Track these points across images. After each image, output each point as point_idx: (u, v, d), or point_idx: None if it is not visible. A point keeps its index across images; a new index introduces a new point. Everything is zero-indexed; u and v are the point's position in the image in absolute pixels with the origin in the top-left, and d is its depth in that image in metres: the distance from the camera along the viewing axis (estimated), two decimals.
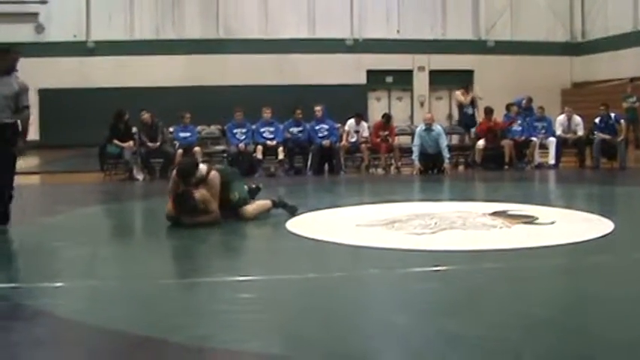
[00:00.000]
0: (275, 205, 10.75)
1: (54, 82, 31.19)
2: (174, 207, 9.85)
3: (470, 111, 20.43)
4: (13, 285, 6.68)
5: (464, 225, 9.61)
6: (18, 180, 16.41)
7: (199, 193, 9.81)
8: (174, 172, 10.33)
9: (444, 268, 7.15)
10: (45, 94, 31.50)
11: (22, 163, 9.91)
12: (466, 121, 20.32)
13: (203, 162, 11.45)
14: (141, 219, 11.97)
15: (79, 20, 32.55)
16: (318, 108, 18.68)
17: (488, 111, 19.25)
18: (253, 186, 11.19)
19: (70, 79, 31.38)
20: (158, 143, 17.69)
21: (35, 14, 32.35)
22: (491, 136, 18.56)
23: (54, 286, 6.74)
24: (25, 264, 7.77)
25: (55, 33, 32.34)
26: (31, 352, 5.05)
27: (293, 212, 10.75)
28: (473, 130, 19.64)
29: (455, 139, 20.94)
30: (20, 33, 31.70)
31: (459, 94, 21.22)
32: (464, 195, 14.06)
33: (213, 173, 10.13)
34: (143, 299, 6.38)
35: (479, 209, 10.94)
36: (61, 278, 7.14)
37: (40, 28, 32.47)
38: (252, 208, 10.45)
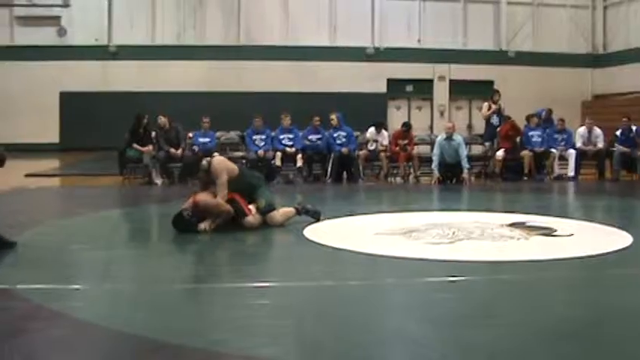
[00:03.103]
0: (298, 212, 10.80)
1: (75, 85, 31.45)
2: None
3: (496, 121, 20.09)
4: (33, 286, 6.73)
5: (482, 235, 9.61)
6: (39, 182, 16.59)
7: (200, 202, 9.92)
8: None
9: (460, 278, 7.16)
10: (66, 97, 31.80)
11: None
12: (491, 132, 20.06)
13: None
14: (159, 223, 12.00)
15: (101, 24, 32.71)
16: (332, 117, 18.62)
17: (507, 118, 19.32)
18: (309, 207, 11.07)
19: (91, 82, 31.58)
20: (180, 150, 17.80)
21: (57, 18, 32.53)
22: (510, 145, 18.55)
23: (73, 289, 6.81)
24: (44, 266, 7.80)
25: (77, 37, 32.53)
26: (50, 354, 5.11)
27: (317, 217, 10.81)
28: (496, 140, 19.46)
29: (475, 150, 20.86)
30: (42, 36, 32.03)
31: (485, 106, 20.85)
32: (482, 205, 14.02)
33: (215, 161, 10.34)
34: (160, 303, 6.43)
35: (497, 220, 10.93)
36: (79, 281, 7.22)
37: (62, 32, 32.65)
38: (279, 215, 10.53)
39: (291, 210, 10.81)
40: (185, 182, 16.62)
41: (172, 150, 17.68)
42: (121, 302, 6.48)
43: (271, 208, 10.47)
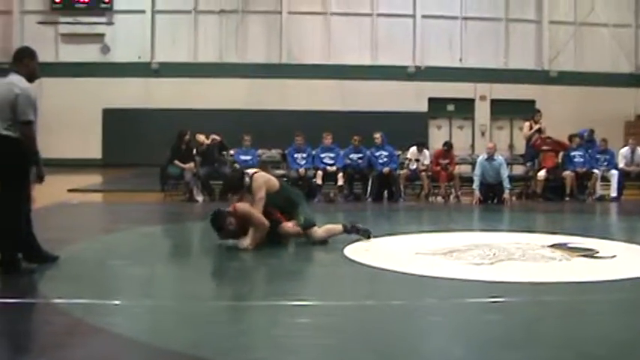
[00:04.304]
0: (346, 229, 10.75)
1: (117, 101, 31.75)
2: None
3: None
4: (73, 301, 6.76)
5: (523, 256, 9.52)
6: (81, 197, 16.66)
7: (238, 209, 9.96)
8: None
9: (502, 299, 7.09)
10: (108, 114, 32.11)
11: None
12: (532, 152, 19.82)
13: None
14: (199, 240, 12.02)
15: (144, 42, 33.05)
16: (377, 135, 18.64)
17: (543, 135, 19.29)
18: (360, 226, 10.99)
19: (133, 99, 31.86)
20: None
21: (101, 35, 32.96)
22: (551, 164, 18.44)
23: (113, 304, 6.82)
24: (85, 280, 7.85)
25: (120, 54, 32.91)
26: None
27: (367, 236, 10.72)
28: (537, 160, 19.29)
29: (516, 170, 20.71)
30: (86, 53, 32.44)
31: (527, 125, 20.63)
32: (523, 226, 13.91)
33: (256, 176, 10.41)
34: (200, 320, 6.42)
35: (538, 241, 10.83)
36: (119, 296, 7.22)
37: (105, 49, 33.03)
38: (321, 230, 10.53)
39: (337, 227, 10.81)
40: (226, 199, 16.66)
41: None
42: (161, 318, 6.50)
43: (311, 224, 10.47)
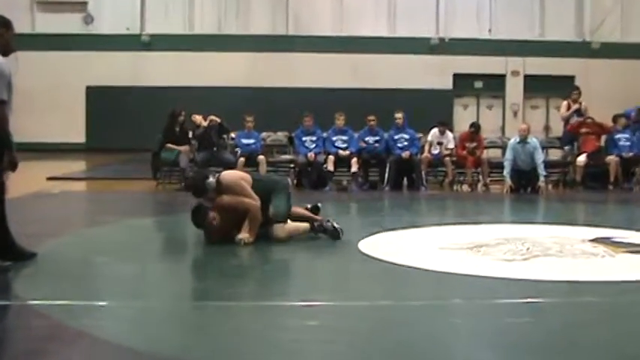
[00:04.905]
0: (313, 229, 10.44)
1: (103, 78, 31.65)
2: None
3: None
4: (54, 302, 6.77)
5: (560, 252, 9.51)
6: (62, 186, 16.68)
7: (224, 201, 9.98)
8: None
9: (536, 300, 7.09)
10: (93, 92, 32.05)
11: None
12: (571, 135, 19.66)
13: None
14: (195, 234, 12.03)
15: (133, 11, 32.98)
16: (399, 115, 18.56)
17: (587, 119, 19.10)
18: (309, 206, 11.04)
19: (121, 75, 31.78)
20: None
21: (84, 3, 32.87)
22: (592, 148, 18.35)
23: (97, 305, 6.84)
24: (67, 280, 7.85)
25: (105, 25, 32.83)
26: None
27: (335, 238, 10.32)
28: (577, 143, 19.17)
29: (552, 155, 20.62)
30: (67, 24, 32.33)
31: (564, 105, 20.54)
32: (561, 218, 13.91)
33: (224, 176, 10.26)
34: (193, 323, 6.45)
35: (578, 234, 10.82)
36: (105, 297, 7.25)
37: (88, 19, 32.95)
38: (284, 228, 10.25)
39: (302, 225, 10.49)
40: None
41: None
42: (151, 321, 6.51)
43: (278, 217, 10.24)
